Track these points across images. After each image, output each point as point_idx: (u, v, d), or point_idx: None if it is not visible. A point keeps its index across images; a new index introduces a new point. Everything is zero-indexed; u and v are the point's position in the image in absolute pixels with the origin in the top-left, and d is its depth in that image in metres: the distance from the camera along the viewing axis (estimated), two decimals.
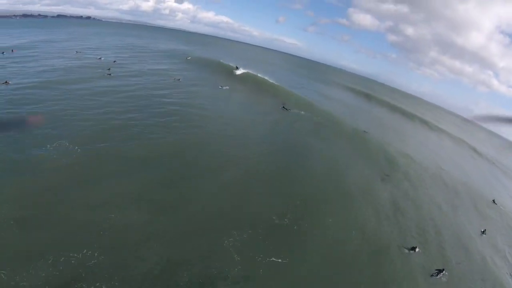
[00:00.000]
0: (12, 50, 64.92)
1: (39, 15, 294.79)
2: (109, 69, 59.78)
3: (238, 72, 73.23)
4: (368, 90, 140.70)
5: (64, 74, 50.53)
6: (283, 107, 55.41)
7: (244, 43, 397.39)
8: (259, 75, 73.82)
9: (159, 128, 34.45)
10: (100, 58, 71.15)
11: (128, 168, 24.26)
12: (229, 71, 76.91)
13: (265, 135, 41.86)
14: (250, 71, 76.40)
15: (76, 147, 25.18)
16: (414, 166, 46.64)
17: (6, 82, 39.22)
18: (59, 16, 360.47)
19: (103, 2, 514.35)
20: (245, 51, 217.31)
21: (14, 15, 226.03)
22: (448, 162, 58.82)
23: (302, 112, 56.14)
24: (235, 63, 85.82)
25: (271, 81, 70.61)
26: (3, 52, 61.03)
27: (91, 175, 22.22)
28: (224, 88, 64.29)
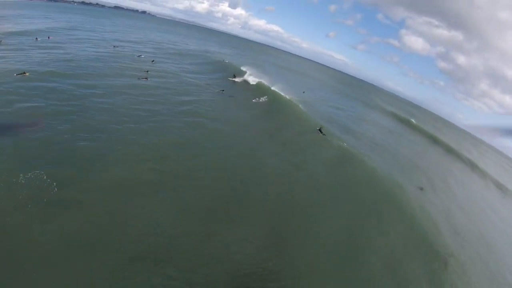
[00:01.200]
0: (48, 37, 59.82)
1: (97, 4, 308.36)
2: (147, 71, 50.42)
3: (237, 79, 61.11)
4: (410, 117, 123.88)
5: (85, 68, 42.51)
6: (320, 130, 43.38)
7: (291, 53, 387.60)
8: (287, 96, 58.22)
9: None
10: (140, 56, 63.73)
11: None
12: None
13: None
14: (281, 85, 61.85)
15: None
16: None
17: (24, 73, 33.76)
18: (116, 7, 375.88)
19: None
20: (291, 63, 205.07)
21: (73, 1, 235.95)
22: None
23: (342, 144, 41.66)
24: (270, 78, 71.05)
25: (302, 108, 55.60)
26: (36, 38, 55.47)
27: None
28: (261, 99, 51.67)
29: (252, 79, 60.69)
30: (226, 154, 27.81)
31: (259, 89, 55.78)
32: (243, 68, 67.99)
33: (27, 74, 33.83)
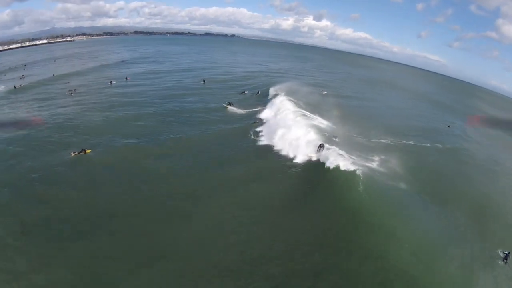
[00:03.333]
0: (126, 78, 62.46)
1: (189, 33, 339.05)
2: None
3: (231, 108, 44.05)
4: None
5: None
6: None
7: (383, 59, 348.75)
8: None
9: None
10: (244, 92, 56.68)
11: None
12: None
13: None
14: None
15: None
16: None
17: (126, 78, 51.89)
18: (207, 34, 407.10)
19: (246, 22, 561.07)
20: (382, 71, 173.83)
21: (167, 33, 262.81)
22: None
23: None
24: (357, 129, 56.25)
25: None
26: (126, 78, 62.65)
27: None
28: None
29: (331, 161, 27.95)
30: None
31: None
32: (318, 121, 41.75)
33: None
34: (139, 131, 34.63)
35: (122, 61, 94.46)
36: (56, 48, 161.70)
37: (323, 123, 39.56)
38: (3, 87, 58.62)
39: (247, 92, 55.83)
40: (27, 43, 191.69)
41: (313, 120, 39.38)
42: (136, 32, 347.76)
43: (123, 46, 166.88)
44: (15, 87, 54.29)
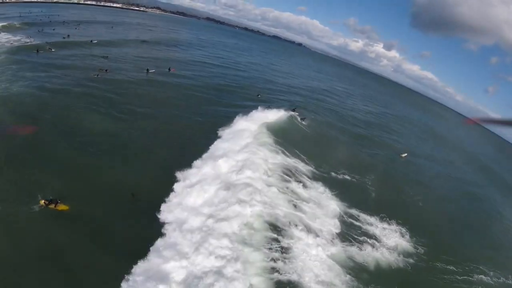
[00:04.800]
0: (169, 69, 47.94)
1: (258, 31, 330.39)
2: None
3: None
4: None
5: None
6: None
7: (444, 105, 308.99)
8: None
9: None
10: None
11: None
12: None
13: None
14: None
15: None
16: None
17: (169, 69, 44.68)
18: (275, 36, 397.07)
19: (316, 34, 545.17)
20: (451, 123, 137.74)
21: (237, 26, 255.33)
22: None
23: None
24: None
25: None
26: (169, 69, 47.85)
27: None
28: None
29: None
30: None
31: None
32: None
33: None
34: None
35: (178, 44, 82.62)
36: (125, 15, 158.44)
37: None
38: (38, 41, 49.01)
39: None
40: (102, 3, 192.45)
41: None
42: (208, 19, 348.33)
43: (189, 29, 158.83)
44: (37, 51, 43.24)
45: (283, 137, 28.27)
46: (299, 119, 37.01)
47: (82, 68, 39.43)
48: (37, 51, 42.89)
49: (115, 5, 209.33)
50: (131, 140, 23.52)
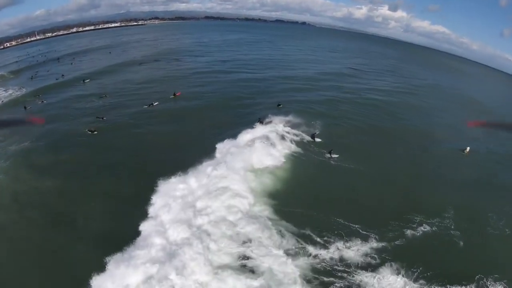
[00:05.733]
0: (174, 94, 41.18)
1: (259, 19, 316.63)
2: None
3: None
4: None
5: None
6: None
7: (460, 57, 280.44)
8: None
9: None
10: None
11: None
12: None
13: None
14: None
15: None
16: None
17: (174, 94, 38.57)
18: (277, 20, 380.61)
19: (318, 9, 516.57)
20: (469, 78, 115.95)
21: (237, 18, 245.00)
22: None
23: None
24: None
25: None
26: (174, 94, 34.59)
27: None
28: None
29: None
30: None
31: None
32: None
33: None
34: None
35: (180, 55, 75.86)
36: (124, 33, 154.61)
37: None
38: (31, 89, 45.03)
39: None
40: (100, 26, 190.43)
41: None
42: (207, 17, 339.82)
43: (189, 33, 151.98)
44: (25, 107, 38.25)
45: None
46: (327, 155, 25.66)
47: (75, 118, 33.74)
48: (25, 107, 37.88)
49: (113, 25, 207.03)
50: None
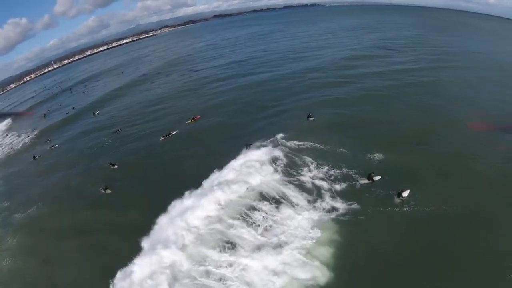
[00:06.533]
0: (192, 119, 34.20)
1: (268, 8, 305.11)
2: None
3: None
4: None
5: None
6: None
7: (478, 14, 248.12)
8: None
9: None
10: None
11: None
12: None
13: None
14: None
15: None
16: None
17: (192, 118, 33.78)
18: (286, 6, 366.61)
19: None
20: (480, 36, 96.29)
21: (246, 12, 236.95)
22: None
23: None
24: None
25: None
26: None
27: None
28: None
29: None
30: None
31: None
32: None
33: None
34: None
35: (192, 63, 70.40)
36: (136, 47, 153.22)
37: None
38: (42, 128, 42.04)
39: None
40: (113, 44, 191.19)
41: None
42: (215, 16, 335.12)
43: (199, 36, 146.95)
44: (34, 157, 34.50)
45: None
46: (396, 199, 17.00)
47: (86, 169, 29.10)
48: (34, 157, 34.14)
49: (125, 40, 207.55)
50: None
